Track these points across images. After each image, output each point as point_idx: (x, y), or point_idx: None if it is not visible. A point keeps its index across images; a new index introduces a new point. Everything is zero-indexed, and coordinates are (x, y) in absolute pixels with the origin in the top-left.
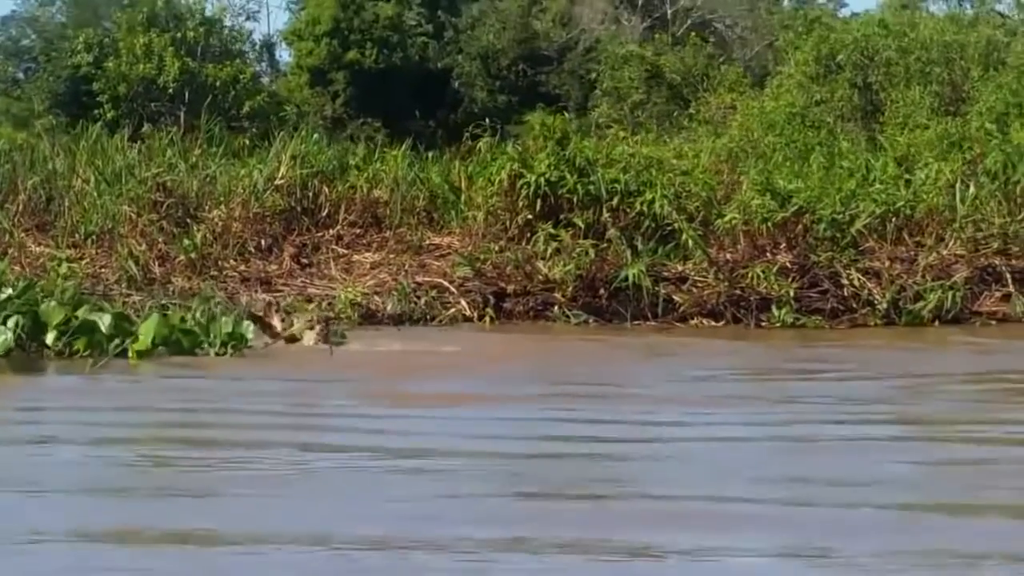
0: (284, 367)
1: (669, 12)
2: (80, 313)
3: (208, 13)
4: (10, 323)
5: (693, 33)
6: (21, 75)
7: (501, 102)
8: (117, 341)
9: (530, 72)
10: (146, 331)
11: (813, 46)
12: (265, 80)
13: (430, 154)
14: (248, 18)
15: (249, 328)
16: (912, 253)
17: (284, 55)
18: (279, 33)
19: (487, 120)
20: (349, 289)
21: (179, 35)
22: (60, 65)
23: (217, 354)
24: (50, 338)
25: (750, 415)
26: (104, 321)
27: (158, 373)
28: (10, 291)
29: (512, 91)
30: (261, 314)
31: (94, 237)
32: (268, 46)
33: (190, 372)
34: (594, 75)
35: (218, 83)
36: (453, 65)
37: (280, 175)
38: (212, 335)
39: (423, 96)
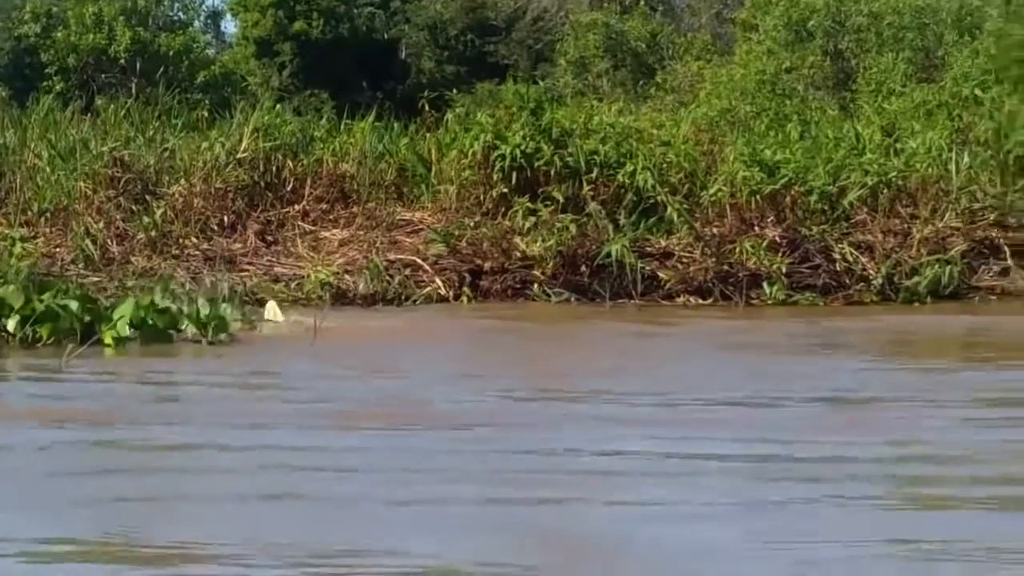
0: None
1: None
2: (45, 297)
3: None
4: None
5: (641, 2)
6: None
7: (449, 72)
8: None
9: (478, 42)
10: (120, 315)
11: (783, 12)
12: (211, 52)
13: (396, 126)
14: None
15: (228, 310)
16: (906, 226)
17: (230, 26)
18: (225, 4)
19: (436, 89)
20: (319, 268)
21: (129, 4)
22: (3, 37)
23: (209, 341)
24: (11, 324)
25: None
26: (72, 306)
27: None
28: None
29: (460, 61)
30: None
31: (48, 215)
32: (214, 16)
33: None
34: (542, 45)
35: (171, 53)
36: (400, 36)
37: (242, 148)
38: (189, 318)
39: (371, 67)
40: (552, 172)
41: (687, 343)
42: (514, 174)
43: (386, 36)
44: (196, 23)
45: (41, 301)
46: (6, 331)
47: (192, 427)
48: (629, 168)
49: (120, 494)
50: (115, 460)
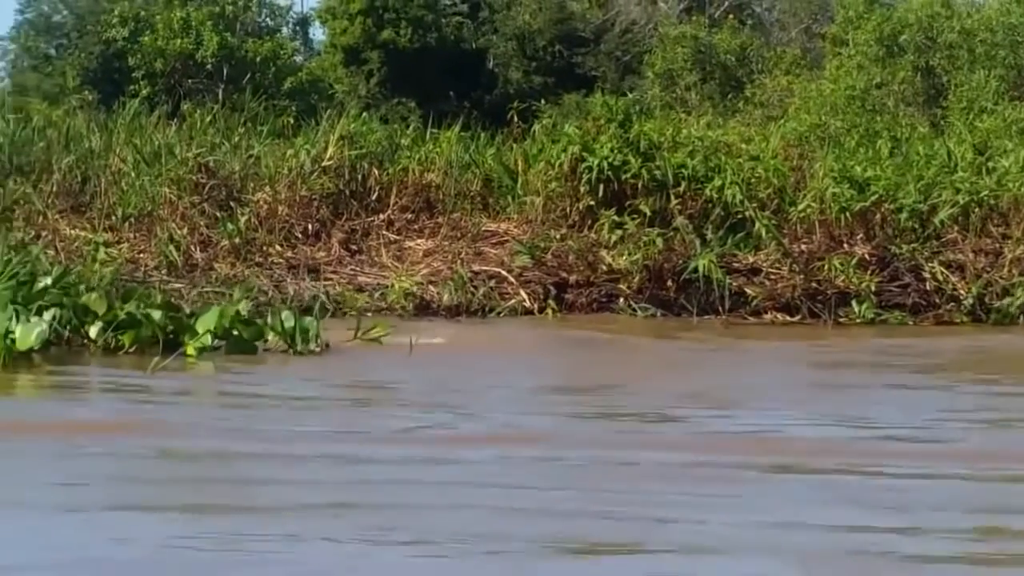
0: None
1: None
2: (129, 306)
3: None
4: (47, 315)
5: (731, 16)
6: (52, 51)
7: (537, 83)
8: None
9: (566, 53)
10: (204, 325)
11: (874, 27)
12: (299, 59)
13: (483, 136)
14: None
15: (313, 323)
16: (998, 246)
17: (318, 33)
18: (313, 11)
19: (523, 100)
20: (402, 278)
21: (217, 9)
22: (92, 41)
23: (297, 352)
24: (94, 331)
25: None
26: (155, 314)
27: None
28: (47, 280)
29: (548, 72)
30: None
31: (132, 220)
32: (302, 24)
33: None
34: (630, 57)
35: (258, 59)
36: (488, 45)
37: (328, 156)
38: (274, 329)
39: (458, 76)
40: (639, 185)
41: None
42: (601, 186)
43: (474, 46)
44: (284, 30)
45: (122, 309)
46: (88, 338)
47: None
48: (717, 182)
49: None
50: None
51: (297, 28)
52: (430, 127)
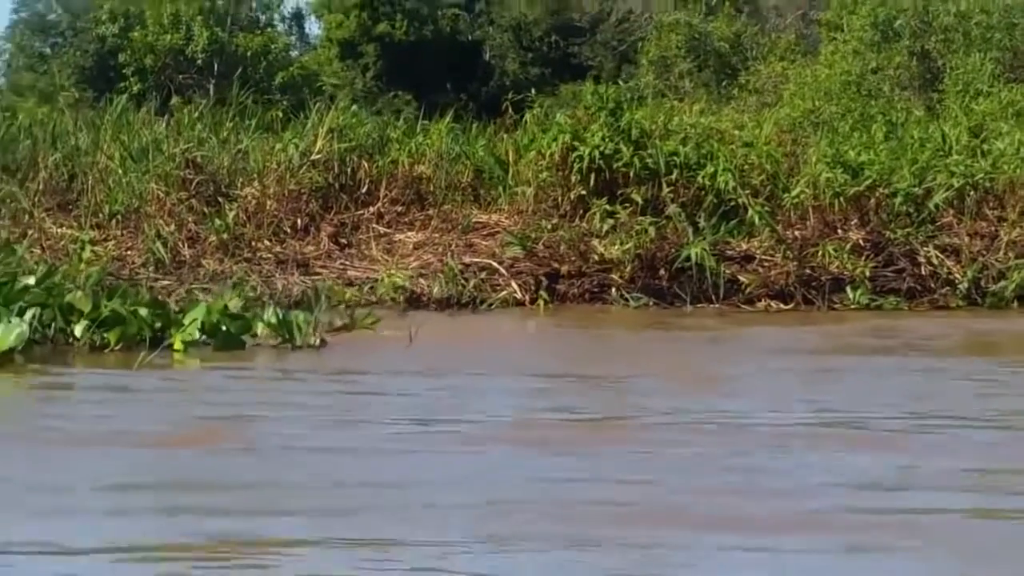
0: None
1: None
2: (113, 303)
3: None
4: (28, 315)
5: (727, 3)
6: (48, 50)
7: (533, 74)
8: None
9: (562, 43)
10: (191, 319)
11: (869, 12)
12: (295, 53)
13: (474, 127)
14: None
15: (300, 317)
16: (993, 229)
17: (314, 27)
18: (308, 5)
19: (520, 91)
20: (392, 271)
21: (207, 3)
22: (86, 39)
23: (295, 346)
24: (79, 329)
25: None
26: (142, 311)
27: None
28: (31, 279)
29: (545, 63)
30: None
31: (119, 217)
32: (297, 18)
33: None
34: (626, 46)
35: (249, 54)
36: (484, 37)
37: (317, 149)
38: (267, 323)
39: (454, 69)
40: (631, 174)
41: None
42: (592, 176)
43: (470, 38)
44: (279, 25)
45: (107, 307)
46: (73, 336)
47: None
48: (710, 170)
49: None
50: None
51: (292, 23)
52: (427, 120)
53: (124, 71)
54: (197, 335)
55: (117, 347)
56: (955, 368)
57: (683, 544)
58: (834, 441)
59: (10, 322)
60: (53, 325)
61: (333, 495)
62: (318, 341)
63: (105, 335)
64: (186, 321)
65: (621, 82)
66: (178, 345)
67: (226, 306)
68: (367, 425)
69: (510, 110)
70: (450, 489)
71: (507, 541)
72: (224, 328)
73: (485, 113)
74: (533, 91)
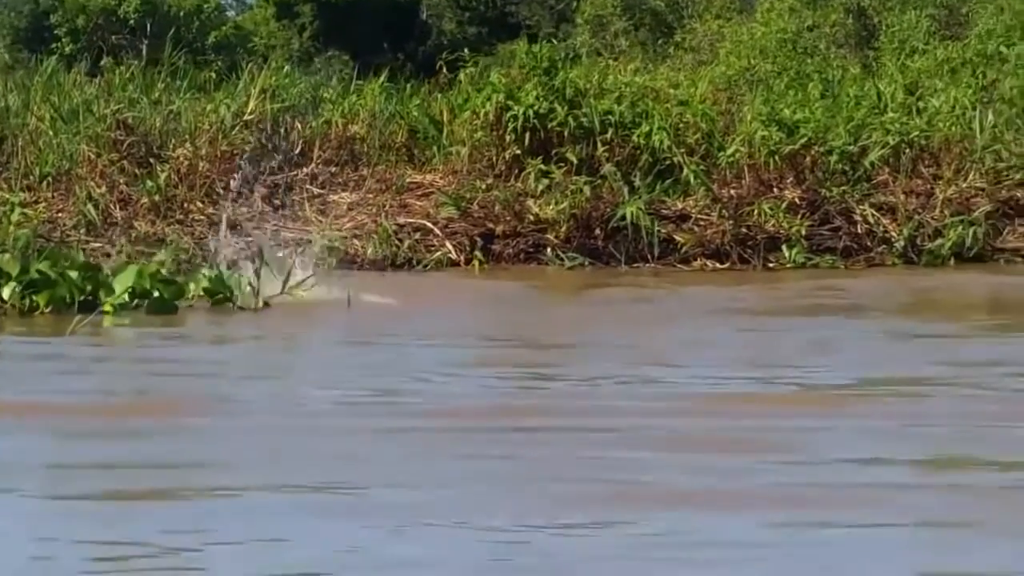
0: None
1: None
2: (42, 264)
3: None
4: None
5: None
6: None
7: (471, 33)
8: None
9: (499, 2)
10: (122, 283)
11: None
12: (231, 14)
13: (408, 86)
14: None
15: (234, 279)
16: (929, 187)
17: None
18: None
19: (460, 51)
20: (326, 232)
21: None
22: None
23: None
24: (6, 292)
25: None
26: (72, 274)
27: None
28: None
29: (482, 22)
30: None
31: (50, 180)
32: None
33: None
34: (564, 4)
35: (182, 14)
36: None
37: (249, 110)
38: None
39: (392, 29)
40: (566, 133)
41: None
42: (527, 135)
43: None
44: None
45: (35, 269)
46: (1, 300)
47: None
48: (645, 128)
49: None
50: None
51: None
52: (363, 79)
53: (56, 32)
54: (127, 299)
55: (47, 310)
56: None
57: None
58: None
59: None
60: None
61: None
62: (260, 304)
63: (35, 298)
64: (117, 286)
65: (557, 41)
66: (107, 308)
67: (159, 270)
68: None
69: (444, 69)
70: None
71: None
72: (157, 293)
73: (423, 73)
74: (467, 51)
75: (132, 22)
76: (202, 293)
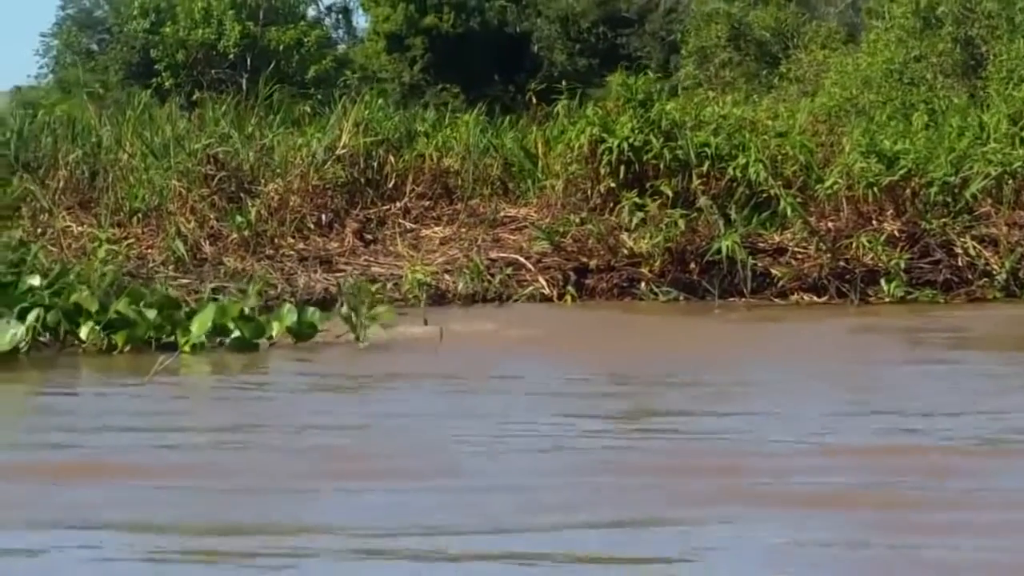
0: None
1: None
2: (119, 304)
3: None
4: (30, 317)
5: None
6: (95, 46)
7: (581, 65)
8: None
9: (610, 34)
10: (201, 322)
11: None
12: (342, 47)
13: (505, 119)
14: None
15: (317, 315)
16: None
17: (361, 21)
18: None
19: (564, 83)
20: (417, 267)
21: None
22: (132, 35)
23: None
24: (84, 331)
25: None
26: (149, 313)
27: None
28: (37, 279)
29: (592, 54)
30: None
31: (140, 215)
32: (345, 12)
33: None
34: (675, 36)
35: (281, 47)
36: (532, 28)
37: (341, 144)
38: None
39: (502, 61)
40: (661, 166)
41: None
42: (622, 168)
43: (518, 29)
44: (327, 20)
45: (115, 310)
46: (80, 339)
47: None
48: (741, 161)
49: None
50: None
51: (340, 16)
52: (476, 113)
53: (155, 67)
54: (204, 339)
55: (126, 349)
56: None
57: None
58: None
59: (8, 323)
60: (58, 327)
61: None
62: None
63: (113, 337)
64: (195, 325)
65: (666, 73)
66: (185, 349)
67: (242, 309)
68: None
69: (535, 101)
70: None
71: None
72: (237, 332)
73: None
74: (576, 83)
75: (232, 56)
76: (286, 331)
